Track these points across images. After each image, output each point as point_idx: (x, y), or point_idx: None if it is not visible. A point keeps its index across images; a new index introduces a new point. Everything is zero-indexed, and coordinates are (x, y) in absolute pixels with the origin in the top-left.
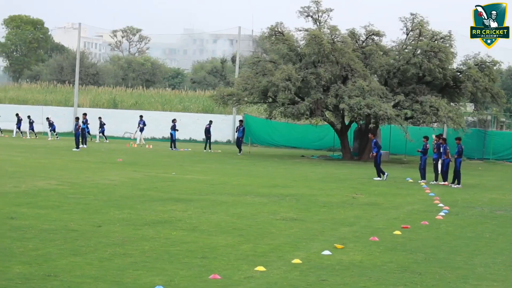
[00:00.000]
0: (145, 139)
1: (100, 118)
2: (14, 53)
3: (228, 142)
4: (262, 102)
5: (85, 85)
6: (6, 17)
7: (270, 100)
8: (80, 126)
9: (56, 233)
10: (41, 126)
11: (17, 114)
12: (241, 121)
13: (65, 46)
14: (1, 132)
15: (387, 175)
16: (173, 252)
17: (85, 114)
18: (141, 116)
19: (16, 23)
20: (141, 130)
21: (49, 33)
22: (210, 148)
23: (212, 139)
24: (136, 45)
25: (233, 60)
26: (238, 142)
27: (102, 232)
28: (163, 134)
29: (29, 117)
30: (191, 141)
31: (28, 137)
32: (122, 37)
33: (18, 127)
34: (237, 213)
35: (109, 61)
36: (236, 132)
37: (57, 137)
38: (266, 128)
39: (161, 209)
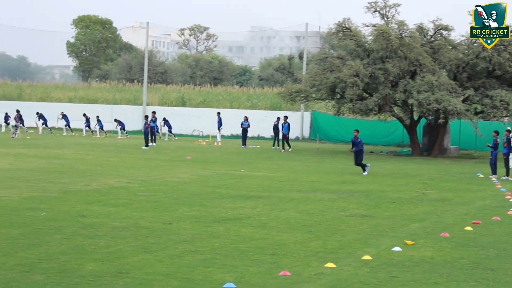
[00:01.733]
0: (213, 137)
1: (164, 118)
2: (84, 53)
3: (297, 138)
4: (330, 98)
5: (154, 83)
6: (75, 18)
7: (338, 96)
8: (149, 124)
9: (127, 231)
10: (110, 124)
11: (84, 114)
12: (286, 117)
13: (134, 45)
14: (72, 131)
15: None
16: (243, 249)
17: (154, 113)
18: (218, 113)
19: (85, 23)
20: (219, 127)
21: (117, 32)
22: (278, 145)
23: (281, 136)
24: (203, 43)
25: (301, 56)
26: (285, 139)
27: (172, 229)
28: (231, 131)
29: (97, 116)
30: (259, 138)
31: (98, 135)
32: (190, 35)
33: (87, 126)
34: (306, 210)
35: (177, 59)
36: (281, 129)
37: (126, 136)
38: (334, 124)
39: (230, 206)
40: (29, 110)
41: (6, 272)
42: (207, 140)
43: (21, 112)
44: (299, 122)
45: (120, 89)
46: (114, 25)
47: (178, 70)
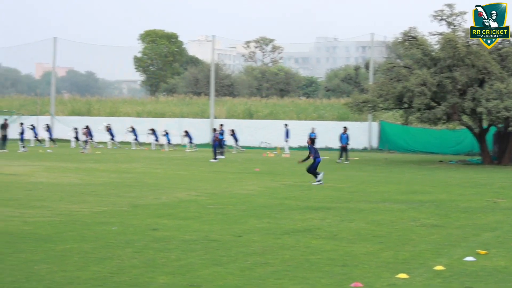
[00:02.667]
0: (280, 149)
1: (233, 130)
2: (150, 67)
3: (365, 149)
4: (397, 108)
5: (221, 96)
6: (142, 32)
7: (406, 105)
8: (217, 137)
9: (197, 244)
10: (178, 138)
11: (152, 129)
12: (345, 127)
13: (200, 59)
14: (140, 145)
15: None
16: (313, 261)
17: (221, 125)
18: (285, 125)
19: (151, 37)
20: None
21: (183, 46)
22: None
23: (349, 147)
24: (269, 55)
25: (367, 66)
26: (344, 150)
27: (242, 241)
28: (299, 143)
29: (165, 130)
30: (327, 149)
31: (166, 149)
32: (255, 47)
33: (156, 140)
34: (376, 220)
35: (243, 72)
36: (340, 139)
37: (195, 149)
38: (403, 134)
39: (299, 217)
40: (96, 125)
41: (79, 286)
42: (275, 152)
43: (90, 127)
44: (367, 132)
45: (187, 102)
46: (180, 39)
47: (244, 83)
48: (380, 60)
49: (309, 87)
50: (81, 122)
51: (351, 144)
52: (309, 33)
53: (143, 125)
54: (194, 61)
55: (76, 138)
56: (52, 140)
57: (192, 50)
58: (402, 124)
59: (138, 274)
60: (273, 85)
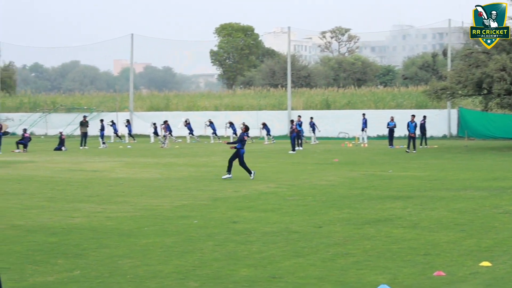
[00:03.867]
0: (359, 138)
1: (311, 118)
2: (227, 61)
3: (444, 136)
4: (476, 94)
5: (297, 87)
6: (217, 26)
7: (485, 92)
8: (295, 128)
9: (278, 235)
10: (256, 130)
11: (230, 122)
12: (413, 115)
13: (276, 51)
14: (219, 138)
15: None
16: (395, 250)
17: (299, 117)
18: (363, 114)
19: (227, 31)
20: (363, 129)
21: (259, 38)
22: (426, 144)
23: (428, 134)
24: (345, 44)
25: (444, 53)
26: (412, 139)
27: (323, 232)
28: (377, 132)
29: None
30: (406, 138)
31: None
32: (331, 37)
33: (234, 133)
34: (458, 208)
35: (320, 62)
36: (407, 127)
37: (273, 141)
38: (482, 120)
39: (380, 207)
40: (174, 119)
41: (162, 280)
42: (353, 142)
43: (168, 122)
44: (446, 119)
45: (264, 94)
46: (255, 31)
47: (321, 73)
48: (458, 47)
49: (386, 76)
50: (159, 117)
51: (430, 132)
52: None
53: (221, 118)
54: (270, 53)
55: (155, 133)
56: (131, 135)
57: (268, 42)
58: (482, 110)
59: (220, 267)
60: (350, 75)
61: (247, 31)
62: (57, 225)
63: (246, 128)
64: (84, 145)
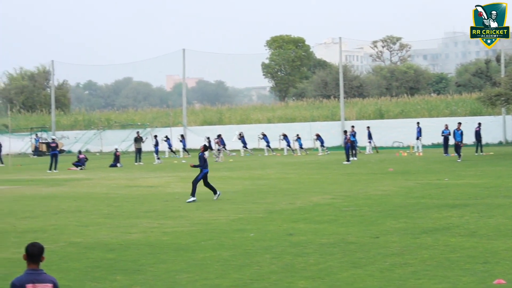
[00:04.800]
0: (413, 147)
1: (368, 127)
2: (279, 73)
3: (500, 143)
4: None
5: (350, 98)
6: (268, 39)
7: None
8: (349, 139)
9: (335, 247)
10: (310, 142)
11: (284, 134)
12: (459, 123)
13: (327, 62)
14: (272, 151)
15: (218, 194)
16: (453, 259)
17: (353, 127)
18: (418, 123)
19: (278, 43)
20: (418, 137)
21: (310, 50)
22: (481, 151)
23: (483, 141)
24: (397, 53)
25: (498, 59)
26: (457, 147)
27: (380, 243)
28: (432, 140)
29: (297, 135)
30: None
31: (299, 154)
32: (383, 47)
33: (288, 145)
34: None
35: (372, 72)
36: (453, 136)
37: (327, 152)
38: None
39: (437, 216)
40: (228, 133)
41: None
42: (408, 151)
43: (222, 136)
44: (501, 126)
45: (317, 106)
46: (306, 43)
47: (373, 83)
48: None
49: (439, 84)
50: (213, 131)
51: (485, 139)
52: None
53: (274, 131)
54: (322, 64)
55: (209, 147)
56: (185, 150)
57: (319, 53)
58: None
59: (278, 280)
60: (402, 84)
61: (298, 43)
62: (114, 242)
63: (204, 148)
64: (139, 161)
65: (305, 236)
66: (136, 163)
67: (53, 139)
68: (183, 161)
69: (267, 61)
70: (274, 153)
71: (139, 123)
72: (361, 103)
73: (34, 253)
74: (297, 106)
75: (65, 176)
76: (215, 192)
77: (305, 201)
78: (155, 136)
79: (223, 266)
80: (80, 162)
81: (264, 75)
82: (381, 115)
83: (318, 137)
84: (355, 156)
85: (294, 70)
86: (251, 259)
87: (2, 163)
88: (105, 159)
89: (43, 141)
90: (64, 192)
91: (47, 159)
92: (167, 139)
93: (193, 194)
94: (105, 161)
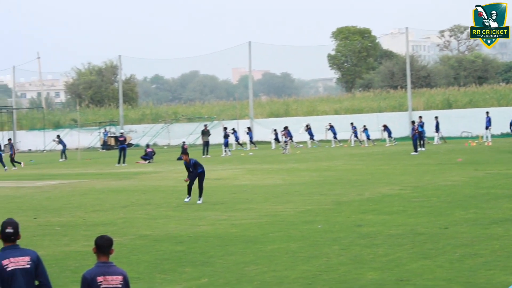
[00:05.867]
0: (482, 137)
1: (436, 117)
2: (345, 64)
3: None
4: None
5: (417, 88)
6: (334, 30)
7: None
8: (417, 129)
9: (404, 238)
10: (377, 133)
11: (351, 123)
12: None
13: (394, 52)
14: (340, 142)
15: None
16: None
17: (420, 117)
18: (487, 113)
19: (344, 34)
20: (487, 127)
21: (376, 40)
22: None
23: None
24: (464, 42)
25: None
26: None
27: (449, 233)
28: (501, 130)
29: (364, 126)
30: None
31: (366, 145)
32: (450, 36)
33: (355, 136)
34: None
35: (439, 61)
36: (510, 126)
37: (394, 143)
38: None
39: (507, 206)
40: (294, 125)
41: (289, 285)
42: (476, 141)
43: (289, 128)
44: None
45: (384, 96)
46: (373, 33)
47: (441, 73)
48: None
49: (508, 72)
50: (279, 123)
51: None
52: None
53: (341, 122)
54: (388, 55)
55: (276, 139)
56: (252, 142)
57: (386, 43)
58: None
59: (346, 271)
60: (470, 73)
61: (364, 34)
62: (183, 234)
63: (184, 151)
64: (207, 154)
65: (373, 227)
66: (203, 156)
67: (121, 133)
68: (250, 153)
69: (333, 53)
70: (341, 145)
71: (206, 116)
72: (428, 93)
73: (103, 246)
74: (364, 97)
75: (133, 170)
76: (199, 195)
77: (373, 192)
78: (225, 128)
79: (291, 257)
80: (147, 156)
81: (330, 66)
82: (449, 105)
83: (386, 127)
84: (423, 147)
85: (361, 61)
86: (319, 251)
87: (66, 158)
88: (173, 152)
89: (112, 135)
90: (132, 186)
91: (115, 153)
92: (234, 132)
93: (200, 195)
94: (173, 154)
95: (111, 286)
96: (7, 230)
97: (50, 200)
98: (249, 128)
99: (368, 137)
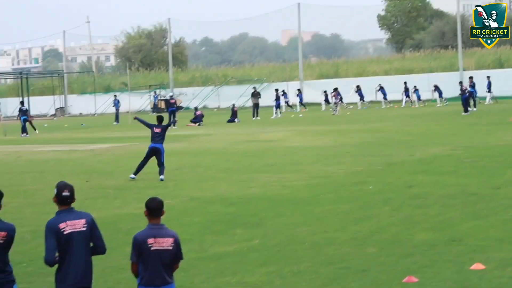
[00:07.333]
0: None
1: (488, 77)
2: (395, 25)
3: None
4: None
5: (468, 48)
6: None
7: None
8: (465, 89)
9: (455, 198)
10: (427, 93)
11: (405, 83)
12: None
13: (444, 12)
14: (390, 103)
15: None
16: None
17: (471, 78)
18: None
19: None
20: None
21: (427, 0)
22: None
23: None
24: None
25: None
26: None
27: (501, 193)
28: None
29: (414, 86)
30: None
31: (417, 105)
32: None
33: (407, 95)
34: None
35: None
36: None
37: (445, 103)
38: None
39: None
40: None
41: (340, 246)
42: None
43: (338, 89)
44: None
45: (434, 56)
46: None
47: None
48: None
49: None
50: (329, 84)
51: None
52: None
53: (391, 83)
54: (439, 15)
55: (326, 101)
56: (302, 104)
57: (436, 3)
58: None
59: (398, 232)
60: None
61: None
62: (234, 196)
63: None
64: (257, 116)
65: (425, 188)
66: (253, 118)
67: (171, 96)
68: (300, 115)
69: (383, 13)
70: (392, 105)
71: (255, 78)
72: (479, 53)
73: (154, 208)
74: (414, 57)
75: (184, 132)
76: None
77: (424, 153)
78: (276, 90)
79: (342, 219)
80: (197, 119)
81: (380, 27)
82: (500, 65)
83: (437, 88)
84: (475, 107)
85: (411, 21)
86: (370, 212)
87: (118, 122)
88: (223, 114)
89: (162, 98)
90: (183, 148)
91: (165, 116)
92: (284, 94)
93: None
94: (223, 117)
95: (162, 247)
96: (64, 194)
97: (102, 163)
98: (299, 90)
99: (418, 97)
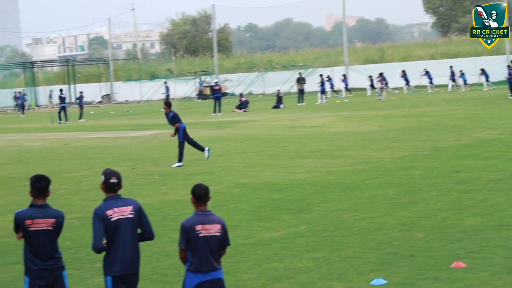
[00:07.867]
0: None
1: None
2: (440, 8)
3: None
4: None
5: None
6: None
7: None
8: None
9: (503, 183)
10: (474, 77)
11: (451, 67)
12: None
13: None
14: (436, 87)
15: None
16: None
17: None
18: None
19: None
20: None
21: None
22: None
23: None
24: None
25: None
26: None
27: None
28: None
29: (460, 71)
30: None
31: (463, 89)
32: None
33: (453, 80)
34: None
35: None
36: None
37: (492, 87)
38: None
39: None
40: (390, 71)
41: (388, 231)
42: None
43: (384, 74)
44: None
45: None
46: None
47: None
48: None
49: None
50: (375, 69)
51: None
52: None
53: (437, 67)
54: None
55: (372, 86)
56: (348, 89)
57: None
58: None
59: (445, 217)
60: None
61: None
62: (280, 182)
63: (168, 106)
64: (302, 102)
65: (472, 173)
66: (298, 104)
67: (216, 83)
68: (346, 100)
69: None
70: (438, 90)
71: (300, 64)
72: None
73: (200, 195)
74: (461, 41)
75: (229, 119)
76: (202, 149)
77: (471, 137)
78: (321, 76)
79: (389, 204)
80: (242, 105)
81: (425, 10)
82: None
83: (483, 71)
84: None
85: (456, 4)
86: (417, 197)
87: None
88: (268, 100)
89: (207, 84)
90: (229, 134)
91: (211, 102)
92: (329, 79)
93: (179, 160)
94: (268, 103)
95: (209, 234)
96: (112, 181)
97: (148, 150)
98: (344, 75)
99: (465, 81)
